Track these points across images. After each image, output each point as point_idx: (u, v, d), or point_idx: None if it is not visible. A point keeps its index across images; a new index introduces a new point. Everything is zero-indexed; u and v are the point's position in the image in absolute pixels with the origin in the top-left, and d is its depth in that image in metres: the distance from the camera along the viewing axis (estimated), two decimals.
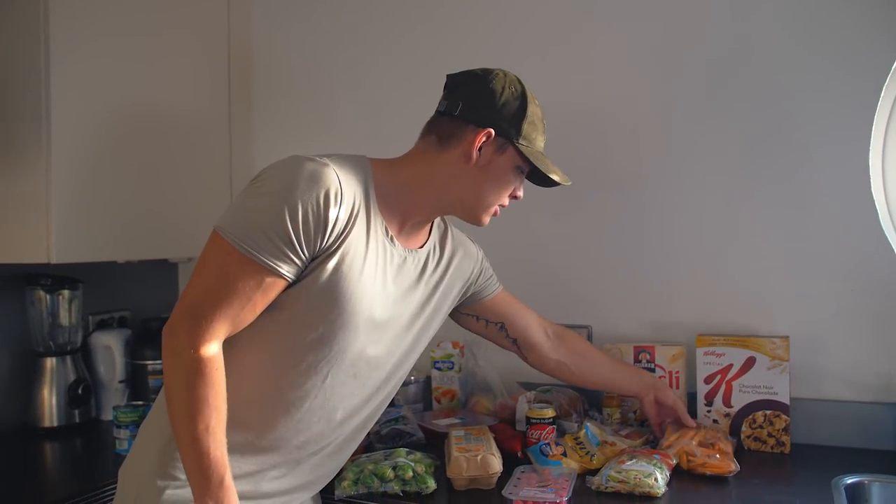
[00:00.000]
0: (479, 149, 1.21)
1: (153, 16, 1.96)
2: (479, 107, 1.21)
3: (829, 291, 1.70)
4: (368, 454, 1.52)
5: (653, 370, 1.77)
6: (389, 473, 1.40)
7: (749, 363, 1.66)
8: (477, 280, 1.48)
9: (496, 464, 1.42)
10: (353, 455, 1.54)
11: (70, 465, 1.76)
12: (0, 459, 1.77)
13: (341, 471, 1.45)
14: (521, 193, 1.31)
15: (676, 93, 1.83)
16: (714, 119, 1.79)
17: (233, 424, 1.11)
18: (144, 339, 2.09)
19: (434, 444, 1.67)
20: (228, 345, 1.11)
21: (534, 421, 1.59)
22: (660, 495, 1.35)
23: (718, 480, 1.46)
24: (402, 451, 1.49)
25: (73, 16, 1.74)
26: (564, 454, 1.53)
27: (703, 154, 1.81)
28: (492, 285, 1.53)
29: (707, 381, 1.70)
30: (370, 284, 1.19)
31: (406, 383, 1.97)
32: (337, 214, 1.10)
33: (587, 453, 1.54)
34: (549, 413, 1.60)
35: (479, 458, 1.41)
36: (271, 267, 1.07)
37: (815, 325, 1.71)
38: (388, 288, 1.23)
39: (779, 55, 1.73)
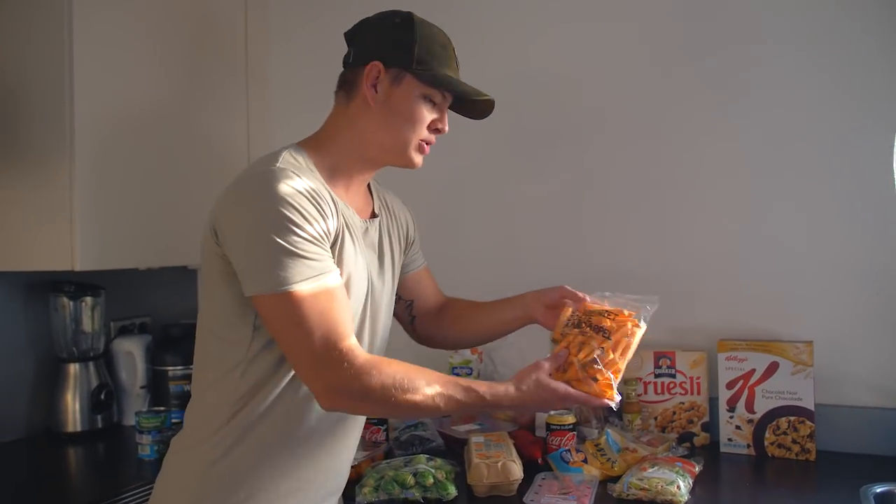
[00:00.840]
0: (375, 86, 1.18)
1: (176, 28, 1.98)
2: (364, 46, 1.21)
3: (854, 295, 1.68)
4: (388, 460, 1.52)
5: (673, 376, 1.75)
6: (410, 480, 1.40)
7: (772, 368, 1.64)
8: (412, 246, 1.44)
9: (517, 470, 1.41)
10: (373, 461, 1.55)
11: (93, 470, 1.78)
12: (24, 464, 1.79)
13: (361, 477, 1.45)
14: (444, 125, 1.25)
15: (697, 94, 1.81)
16: (735, 121, 1.77)
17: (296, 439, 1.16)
18: (165, 344, 2.10)
19: (453, 451, 1.67)
20: (280, 369, 1.13)
21: (554, 427, 1.59)
22: (683, 503, 1.34)
23: (742, 489, 1.44)
24: (422, 457, 1.49)
25: (96, 26, 1.76)
26: (585, 461, 1.52)
27: (726, 157, 1.79)
28: (419, 259, 1.47)
29: (729, 386, 1.68)
30: (362, 262, 1.20)
31: None
32: (319, 208, 1.10)
33: (608, 460, 1.53)
34: (570, 419, 1.59)
35: (499, 464, 1.41)
36: (325, 272, 1.07)
37: (840, 330, 1.68)
38: (370, 261, 1.24)
39: (800, 54, 1.71)
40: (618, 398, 1.18)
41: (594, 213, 1.92)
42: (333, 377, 1.04)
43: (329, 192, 1.16)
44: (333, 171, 1.21)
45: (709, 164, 1.81)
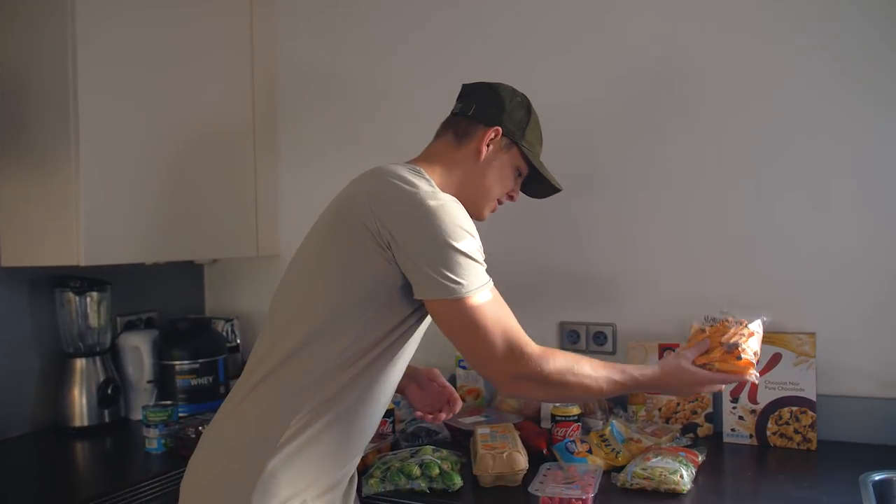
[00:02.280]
0: (488, 145, 1.34)
1: (179, 23, 1.99)
2: (489, 109, 1.36)
3: (856, 288, 1.69)
4: (394, 451, 1.53)
5: None
6: (416, 471, 1.41)
7: (775, 359, 1.65)
8: None
9: (522, 461, 1.43)
10: (379, 452, 1.56)
11: (101, 464, 1.79)
12: (32, 458, 1.81)
13: (368, 468, 1.47)
14: (517, 195, 1.45)
15: (700, 90, 1.82)
16: (740, 116, 1.78)
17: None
18: (171, 339, 2.12)
19: (459, 442, 1.68)
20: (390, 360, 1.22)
21: (559, 418, 1.60)
22: (685, 492, 1.35)
23: (743, 478, 1.45)
24: (429, 448, 1.50)
25: (100, 22, 1.77)
26: (590, 451, 1.54)
27: (731, 151, 1.80)
28: None
29: None
30: None
31: None
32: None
33: (612, 450, 1.54)
34: (575, 410, 1.61)
35: (505, 455, 1.42)
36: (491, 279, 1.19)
37: (842, 322, 1.69)
38: None
39: (807, 51, 1.72)
40: (757, 376, 1.32)
41: (594, 208, 1.93)
42: (518, 368, 1.15)
43: None
44: None
45: (712, 157, 1.82)
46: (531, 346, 1.16)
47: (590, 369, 1.20)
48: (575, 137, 1.93)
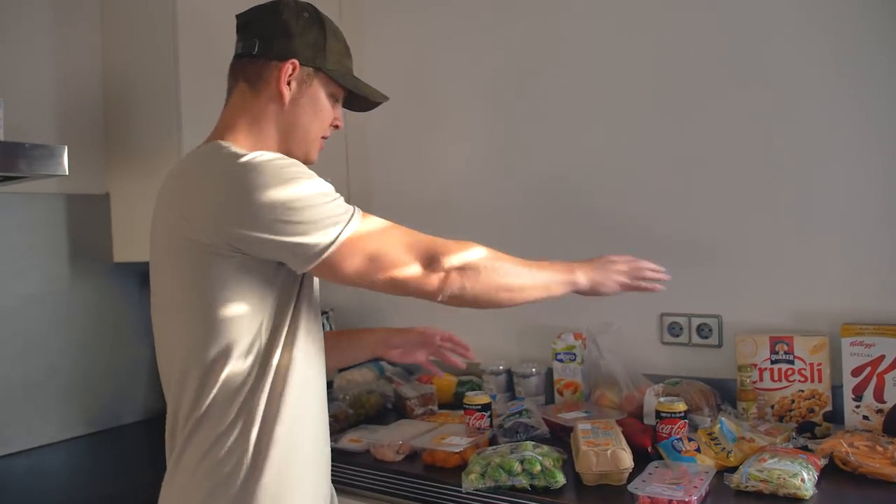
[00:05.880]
0: (289, 83, 1.18)
1: None
2: (276, 40, 1.18)
3: None
4: (494, 447, 1.50)
5: (792, 362, 1.66)
6: (517, 467, 1.38)
7: None
8: None
9: (627, 459, 1.37)
10: (477, 447, 1.54)
11: None
12: (145, 444, 1.91)
13: (466, 464, 1.45)
14: (341, 122, 1.28)
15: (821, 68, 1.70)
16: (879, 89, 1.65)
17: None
18: None
19: (559, 438, 1.64)
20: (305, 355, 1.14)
21: (664, 415, 1.53)
22: (807, 497, 1.26)
23: (870, 483, 1.35)
24: (529, 444, 1.47)
25: (199, 31, 1.82)
26: (698, 450, 1.46)
27: (850, 134, 1.66)
28: None
29: (855, 373, 1.57)
30: None
31: (527, 375, 1.95)
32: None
33: (723, 449, 1.46)
34: (681, 406, 1.53)
35: (609, 452, 1.37)
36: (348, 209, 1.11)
37: None
38: None
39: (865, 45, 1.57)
40: None
41: (696, 193, 1.84)
42: (441, 273, 1.13)
43: None
44: None
45: (833, 136, 1.69)
46: (440, 242, 1.14)
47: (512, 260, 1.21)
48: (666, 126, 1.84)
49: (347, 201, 1.12)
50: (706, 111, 1.82)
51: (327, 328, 2.32)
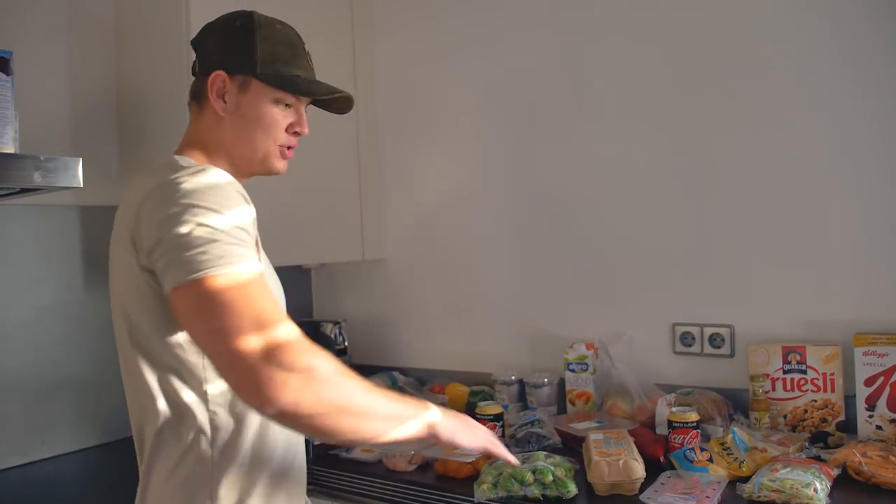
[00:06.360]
0: (222, 96, 1.14)
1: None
2: (209, 55, 1.16)
3: None
4: None
5: (804, 372, 1.65)
6: (529, 477, 1.38)
7: None
8: None
9: (639, 469, 1.37)
10: (489, 458, 1.54)
11: None
12: None
13: (478, 474, 1.45)
14: (302, 128, 1.21)
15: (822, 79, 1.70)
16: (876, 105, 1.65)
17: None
18: None
19: (570, 448, 1.64)
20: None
21: (676, 425, 1.53)
22: None
23: (884, 494, 1.34)
24: (541, 454, 1.47)
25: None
26: (710, 460, 1.46)
27: (863, 141, 1.66)
28: None
29: (868, 383, 1.57)
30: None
31: (538, 385, 1.95)
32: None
33: (735, 459, 1.46)
34: (693, 417, 1.53)
35: (621, 462, 1.37)
36: (253, 260, 0.99)
37: None
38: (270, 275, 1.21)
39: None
40: None
41: (710, 201, 1.84)
42: (273, 359, 0.91)
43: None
44: None
45: (841, 148, 1.69)
46: (295, 333, 0.93)
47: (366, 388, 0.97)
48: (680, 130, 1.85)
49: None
50: (717, 121, 1.82)
51: (339, 339, 2.32)
